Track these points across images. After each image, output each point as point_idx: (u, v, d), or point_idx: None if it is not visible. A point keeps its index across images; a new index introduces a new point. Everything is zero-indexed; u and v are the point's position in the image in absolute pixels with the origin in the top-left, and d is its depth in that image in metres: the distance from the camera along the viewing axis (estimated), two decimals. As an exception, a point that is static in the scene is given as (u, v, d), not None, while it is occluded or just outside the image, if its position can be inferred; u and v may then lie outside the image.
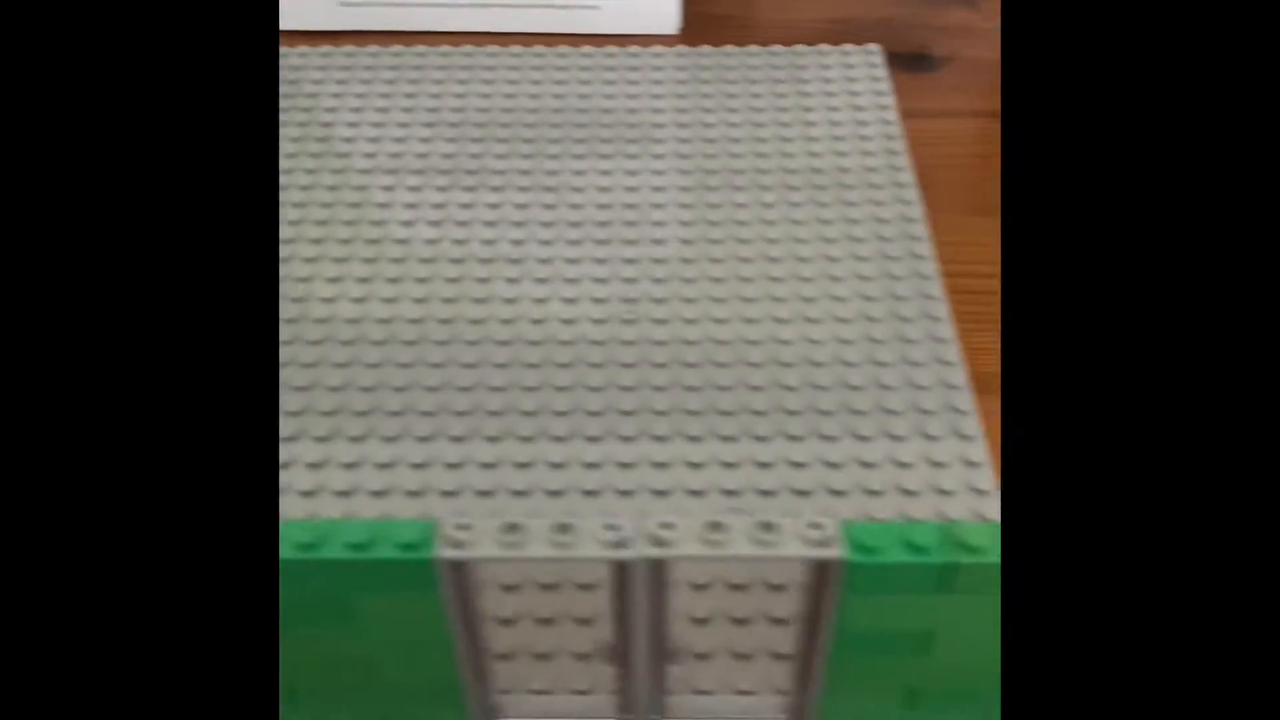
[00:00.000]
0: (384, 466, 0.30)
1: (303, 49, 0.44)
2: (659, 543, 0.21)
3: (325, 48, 0.44)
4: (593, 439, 0.31)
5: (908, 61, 0.46)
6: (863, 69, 0.43)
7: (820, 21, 0.48)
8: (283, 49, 0.43)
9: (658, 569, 0.22)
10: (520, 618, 0.28)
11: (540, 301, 0.35)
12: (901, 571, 0.21)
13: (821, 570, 0.22)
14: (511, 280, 0.35)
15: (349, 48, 0.44)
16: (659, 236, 0.37)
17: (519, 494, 0.30)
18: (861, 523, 0.21)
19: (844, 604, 0.22)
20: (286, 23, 0.45)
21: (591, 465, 0.30)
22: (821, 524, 0.21)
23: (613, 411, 0.32)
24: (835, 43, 0.45)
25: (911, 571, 0.21)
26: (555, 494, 0.30)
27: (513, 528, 0.22)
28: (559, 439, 0.31)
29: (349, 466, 0.30)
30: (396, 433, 0.31)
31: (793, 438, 0.31)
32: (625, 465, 0.30)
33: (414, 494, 0.30)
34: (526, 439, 0.31)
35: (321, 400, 0.32)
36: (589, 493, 0.30)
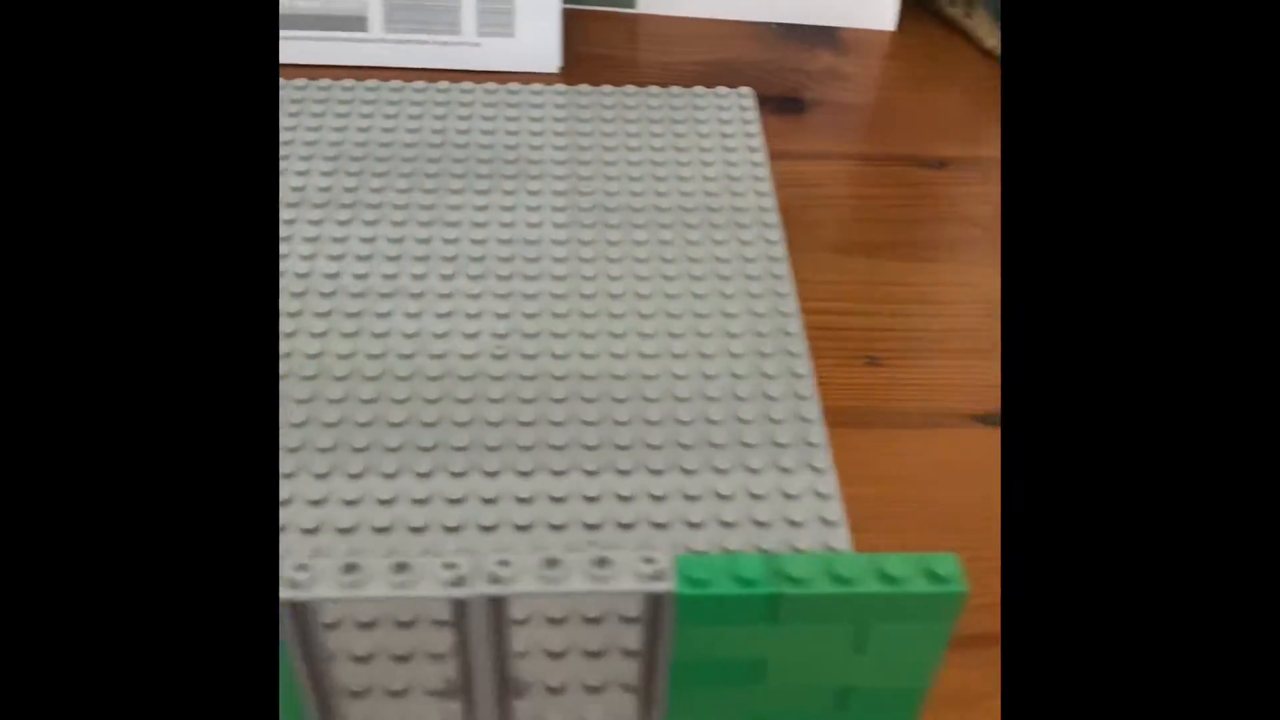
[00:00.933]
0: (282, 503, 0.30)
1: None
2: (496, 580, 0.22)
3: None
4: (456, 475, 0.31)
5: (779, 104, 0.47)
6: (735, 110, 0.45)
7: (696, 64, 0.50)
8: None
9: (497, 605, 0.22)
10: (374, 654, 0.28)
11: (410, 337, 0.35)
12: (730, 603, 0.22)
13: (656, 603, 0.22)
14: (381, 315, 0.36)
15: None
16: (532, 272, 0.38)
17: (415, 530, 0.30)
18: (692, 556, 0.22)
19: (678, 635, 0.22)
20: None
21: (454, 501, 0.31)
22: (655, 558, 0.22)
23: (479, 446, 0.32)
24: (710, 85, 0.46)
25: (739, 603, 0.22)
26: (418, 530, 0.30)
27: (351, 567, 0.22)
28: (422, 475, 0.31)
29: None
30: (292, 470, 0.31)
31: (653, 471, 0.32)
32: (488, 501, 0.31)
33: (308, 531, 0.30)
34: (423, 475, 0.31)
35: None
36: (459, 529, 0.30)
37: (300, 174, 0.40)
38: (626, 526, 0.31)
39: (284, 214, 0.39)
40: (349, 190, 0.40)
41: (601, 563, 0.22)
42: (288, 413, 0.33)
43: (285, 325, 0.35)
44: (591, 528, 0.30)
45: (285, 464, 0.31)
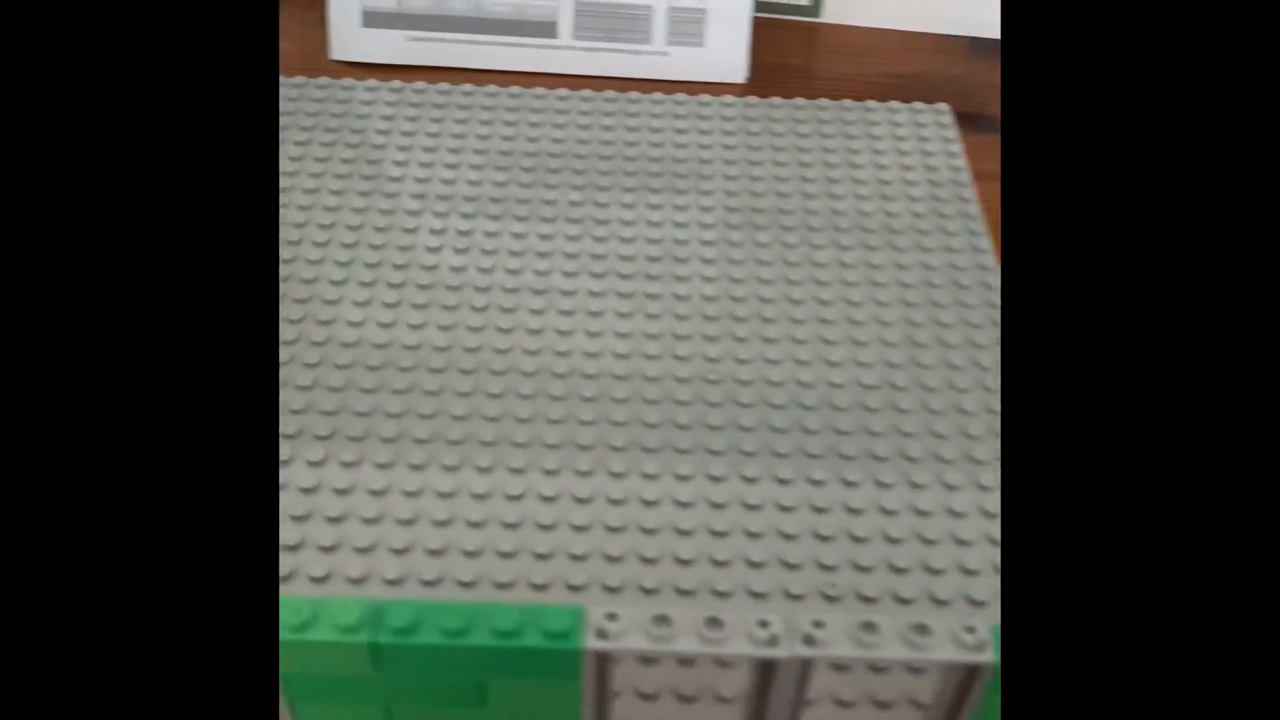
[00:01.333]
0: (410, 495, 0.30)
1: (371, 82, 0.44)
2: (810, 641, 0.21)
3: (371, 81, 0.43)
4: (615, 475, 0.30)
5: (972, 121, 0.46)
6: (933, 128, 0.43)
7: (884, 76, 0.49)
8: (349, 81, 0.43)
9: (805, 664, 0.22)
10: (660, 693, 0.27)
11: (594, 335, 0.35)
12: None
13: (968, 673, 0.22)
14: (564, 313, 0.35)
15: (395, 82, 0.44)
16: (728, 275, 0.37)
17: (544, 528, 0.29)
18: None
19: (988, 703, 0.22)
20: (356, 55, 0.45)
21: (615, 502, 0.30)
22: (974, 628, 0.21)
23: (635, 447, 0.31)
24: (899, 98, 0.45)
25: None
26: (580, 529, 0.29)
27: (662, 619, 0.22)
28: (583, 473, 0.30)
29: (376, 494, 0.30)
30: (422, 460, 0.31)
31: (848, 483, 0.31)
32: (649, 503, 0.30)
33: (440, 524, 0.29)
34: (551, 471, 0.30)
35: (349, 424, 0.31)
36: (613, 529, 0.29)
37: (471, 183, 0.40)
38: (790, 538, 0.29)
39: (449, 215, 0.39)
40: (524, 186, 0.40)
41: (920, 629, 0.21)
42: (448, 404, 0.32)
43: (442, 318, 0.35)
44: (788, 538, 0.29)
45: (448, 456, 0.31)
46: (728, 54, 0.47)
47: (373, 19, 0.44)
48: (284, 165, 0.39)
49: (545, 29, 0.46)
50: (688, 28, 0.46)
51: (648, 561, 0.26)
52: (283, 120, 0.41)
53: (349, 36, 0.44)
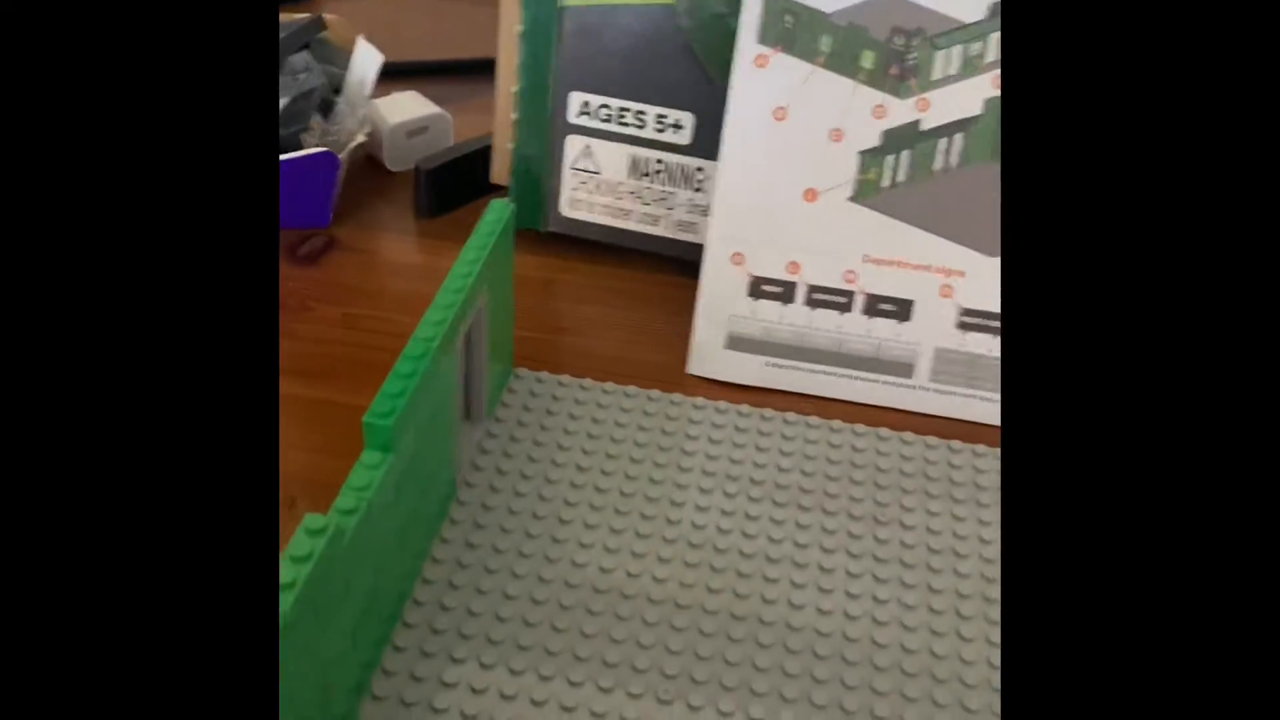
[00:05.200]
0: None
1: (722, 404, 0.46)
2: None
3: (722, 403, 0.45)
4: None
5: None
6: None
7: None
8: (701, 400, 0.46)
9: None
10: None
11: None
12: None
13: None
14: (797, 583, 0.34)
15: (744, 406, 0.45)
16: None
17: None
18: None
19: None
20: (712, 373, 0.47)
21: None
22: None
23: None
24: None
25: None
26: None
27: None
28: None
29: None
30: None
31: None
32: None
33: None
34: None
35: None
36: None
37: (754, 482, 0.40)
38: None
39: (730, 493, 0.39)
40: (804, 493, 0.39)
41: None
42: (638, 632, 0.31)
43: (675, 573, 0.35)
44: None
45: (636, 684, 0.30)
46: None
47: (736, 343, 0.47)
48: (624, 466, 0.42)
49: (902, 369, 0.46)
50: (1049, 384, 0.45)
51: None
52: (630, 422, 0.44)
53: (709, 355, 0.47)
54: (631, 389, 0.46)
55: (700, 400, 0.46)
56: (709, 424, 0.44)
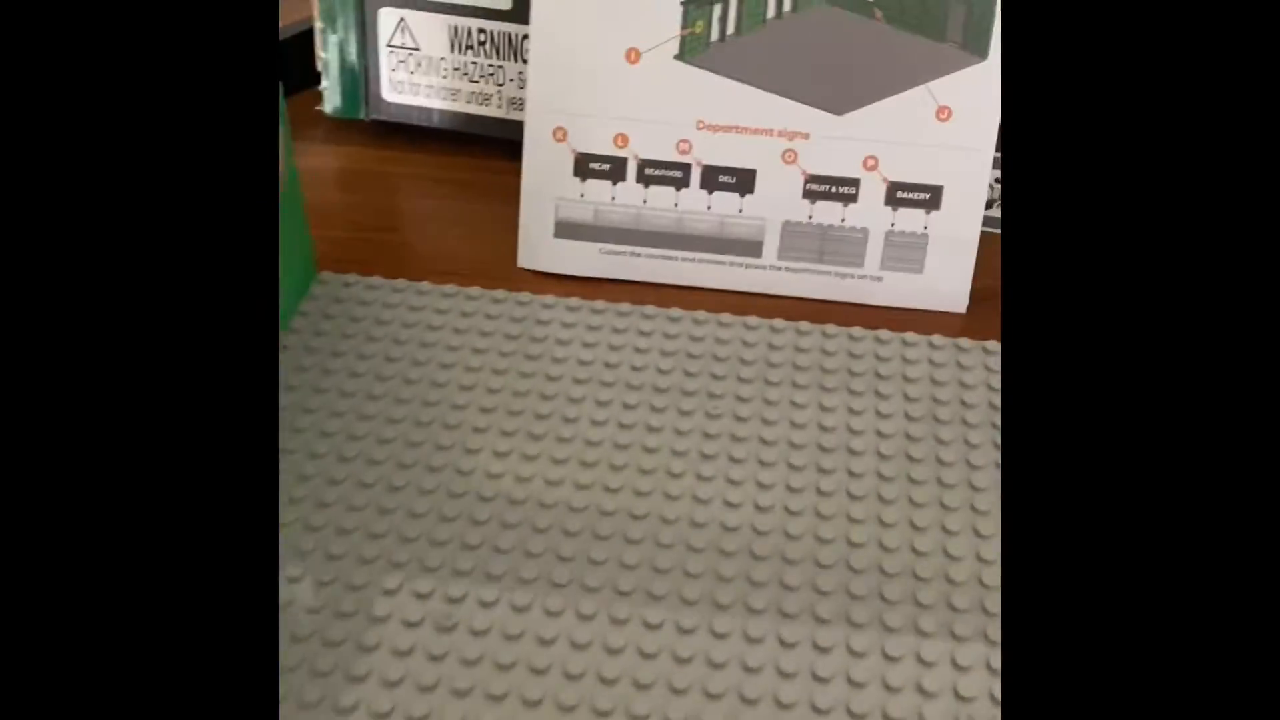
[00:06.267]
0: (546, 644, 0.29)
1: (549, 298, 0.42)
2: None
3: (574, 299, 0.41)
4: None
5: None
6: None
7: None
8: (525, 295, 0.41)
9: None
10: None
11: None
12: None
13: None
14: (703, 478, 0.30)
15: (574, 300, 0.41)
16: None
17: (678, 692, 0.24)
18: None
19: None
20: (545, 265, 0.43)
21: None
22: None
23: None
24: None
25: None
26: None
27: None
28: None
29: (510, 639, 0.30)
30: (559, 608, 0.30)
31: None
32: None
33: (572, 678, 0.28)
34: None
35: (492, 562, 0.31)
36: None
37: (637, 375, 0.36)
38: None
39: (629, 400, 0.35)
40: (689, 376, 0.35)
41: None
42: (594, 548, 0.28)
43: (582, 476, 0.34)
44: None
45: (554, 601, 0.31)
46: (950, 283, 0.41)
47: (566, 229, 0.42)
48: (461, 377, 0.38)
49: (750, 248, 0.42)
50: (907, 253, 0.41)
51: None
52: (461, 327, 0.40)
53: (538, 245, 0.43)
54: (450, 288, 0.41)
55: (526, 295, 0.41)
56: (533, 320, 0.40)
